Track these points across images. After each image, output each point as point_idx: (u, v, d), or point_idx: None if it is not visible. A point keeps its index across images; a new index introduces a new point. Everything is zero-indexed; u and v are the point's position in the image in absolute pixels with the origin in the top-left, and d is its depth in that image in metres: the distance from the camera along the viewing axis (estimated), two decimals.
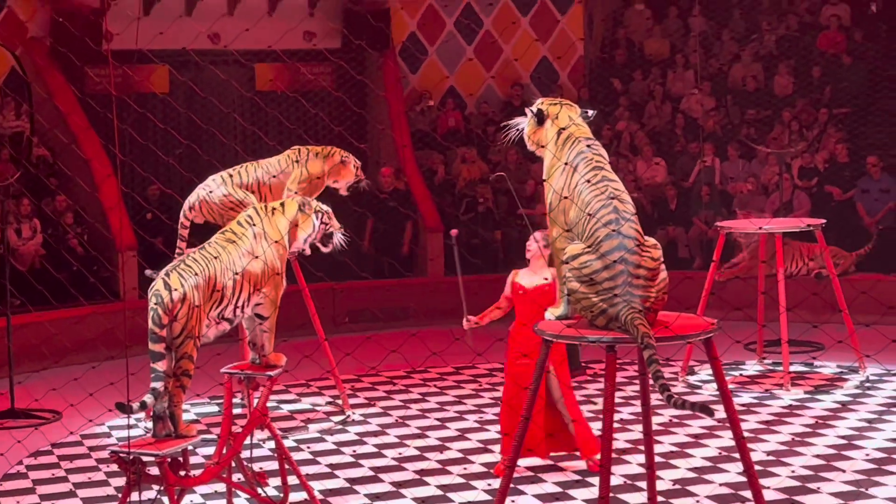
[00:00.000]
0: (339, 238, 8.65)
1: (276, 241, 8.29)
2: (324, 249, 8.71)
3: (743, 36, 19.74)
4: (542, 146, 6.94)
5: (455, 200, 17.85)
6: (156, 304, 7.62)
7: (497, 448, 10.02)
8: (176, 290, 7.66)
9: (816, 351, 13.17)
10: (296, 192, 10.68)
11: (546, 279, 9.41)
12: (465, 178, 18.15)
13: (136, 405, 7.42)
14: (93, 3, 16.94)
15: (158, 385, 7.55)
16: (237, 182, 10.77)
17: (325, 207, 8.67)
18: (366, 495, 9.16)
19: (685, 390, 12.00)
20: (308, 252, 8.77)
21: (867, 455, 9.63)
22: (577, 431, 9.40)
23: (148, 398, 7.51)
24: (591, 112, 7.09)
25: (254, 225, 8.29)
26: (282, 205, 8.55)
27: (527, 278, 9.56)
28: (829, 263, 12.40)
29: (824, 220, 12.36)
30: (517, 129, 7.12)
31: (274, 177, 10.80)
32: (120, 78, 16.69)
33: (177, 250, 10.55)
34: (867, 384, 12.10)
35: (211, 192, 10.69)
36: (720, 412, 6.74)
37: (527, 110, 7.06)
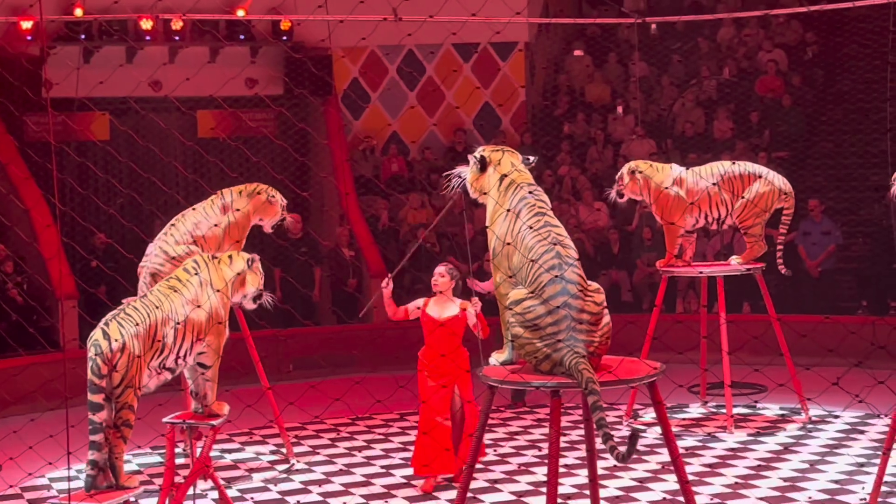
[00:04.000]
0: (266, 298, 8.66)
1: (218, 290, 8.24)
2: (249, 307, 8.71)
3: (683, 81, 19.96)
4: (485, 193, 6.97)
5: (399, 246, 17.85)
6: (95, 354, 7.54)
7: (443, 495, 9.98)
8: (116, 339, 7.58)
9: (759, 393, 13.24)
10: (234, 242, 10.71)
11: (457, 311, 10.10)
12: (409, 223, 18.17)
13: (86, 467, 7.38)
14: (32, 52, 16.85)
15: (98, 437, 7.46)
16: (174, 241, 10.69)
17: (261, 270, 8.69)
18: None
19: (629, 433, 11.99)
20: (245, 305, 8.75)
21: (809, 497, 9.67)
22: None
23: (95, 455, 7.43)
24: (532, 158, 7.14)
25: (199, 273, 8.24)
26: (229, 257, 8.52)
27: (436, 309, 10.16)
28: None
29: (764, 265, 12.45)
30: (460, 177, 7.15)
31: (210, 228, 10.75)
32: (60, 126, 16.60)
33: None
34: (809, 426, 12.18)
35: (161, 263, 10.61)
36: (664, 455, 6.75)
37: (469, 157, 7.09)
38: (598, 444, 6.96)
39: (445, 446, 9.96)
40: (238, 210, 10.89)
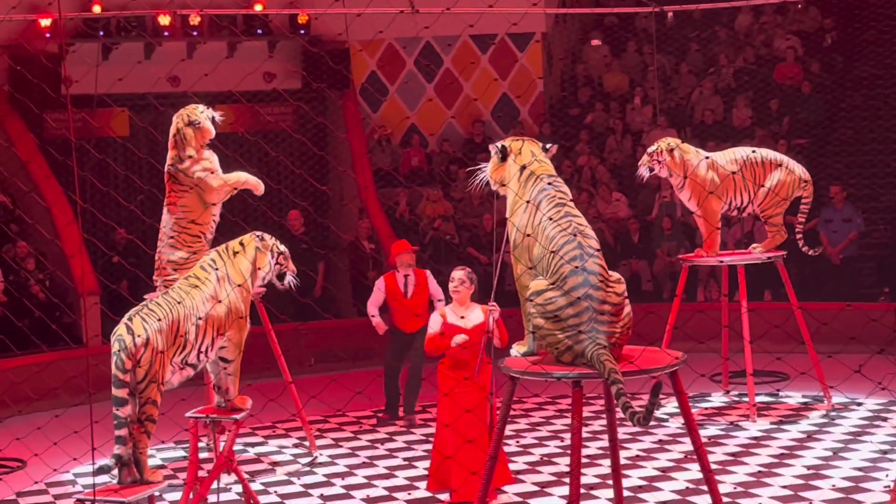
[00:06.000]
0: (290, 278, 8.69)
1: (238, 285, 8.27)
2: (279, 286, 8.76)
3: (701, 70, 19.91)
4: (504, 185, 6.98)
5: (419, 239, 17.86)
6: (119, 349, 7.57)
7: None
8: (139, 335, 7.61)
9: (781, 381, 13.21)
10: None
11: (482, 317, 9.45)
12: (429, 216, 18.18)
13: (110, 462, 7.41)
14: (51, 50, 16.91)
15: (122, 432, 7.50)
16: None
17: (282, 248, 8.69)
18: None
19: (652, 424, 11.99)
20: (276, 285, 8.79)
21: (833, 485, 9.65)
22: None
23: (120, 450, 7.46)
24: (550, 146, 7.12)
25: (217, 269, 8.28)
26: (241, 244, 8.54)
27: (458, 317, 9.56)
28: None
29: (784, 252, 12.43)
30: (485, 173, 7.15)
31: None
32: (80, 123, 16.64)
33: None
34: (832, 414, 12.15)
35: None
36: (687, 444, 6.74)
37: (490, 147, 7.10)
38: (621, 433, 6.96)
39: (471, 470, 8.93)
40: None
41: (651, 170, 12.16)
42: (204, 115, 10.52)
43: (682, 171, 12.04)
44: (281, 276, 8.69)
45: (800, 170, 12.24)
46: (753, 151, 12.33)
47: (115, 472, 7.61)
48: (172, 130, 10.52)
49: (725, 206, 12.23)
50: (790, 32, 19.79)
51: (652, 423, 11.91)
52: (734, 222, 16.34)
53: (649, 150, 12.24)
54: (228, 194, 10.59)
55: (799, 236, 12.53)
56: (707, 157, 12.20)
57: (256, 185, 10.70)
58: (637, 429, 6.31)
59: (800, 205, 12.37)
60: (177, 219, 10.40)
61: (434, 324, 9.59)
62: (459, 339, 9.38)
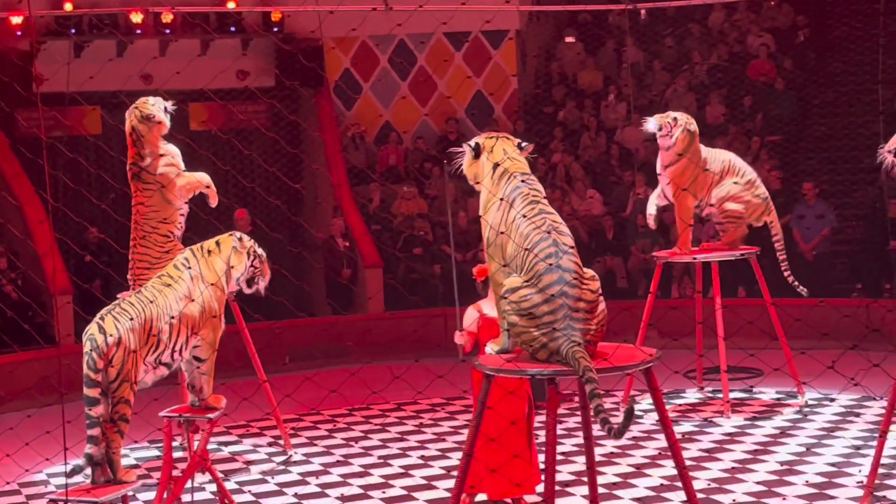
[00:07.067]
0: (261, 283, 8.63)
1: (212, 284, 8.23)
2: (246, 290, 8.67)
3: (675, 66, 19.95)
4: (478, 182, 6.97)
5: (393, 236, 17.85)
6: (90, 348, 7.53)
7: (440, 484, 10.00)
8: (111, 334, 7.57)
9: (755, 377, 13.25)
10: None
11: None
12: (403, 213, 18.16)
13: (81, 462, 7.37)
14: (22, 48, 16.80)
15: (94, 432, 7.45)
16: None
17: (259, 251, 8.63)
18: None
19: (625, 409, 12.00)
20: (243, 289, 8.72)
21: (807, 481, 9.68)
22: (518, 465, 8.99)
23: (92, 450, 7.42)
24: (524, 144, 7.09)
25: (190, 268, 8.24)
26: (217, 243, 8.49)
27: (490, 309, 8.64)
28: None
29: (758, 248, 12.46)
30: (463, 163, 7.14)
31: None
32: (51, 121, 16.55)
33: None
34: (806, 409, 12.20)
35: None
36: (661, 441, 6.75)
37: (464, 144, 7.09)
38: (595, 430, 6.97)
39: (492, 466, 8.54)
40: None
41: (660, 129, 11.96)
42: (156, 107, 10.37)
43: (683, 146, 11.93)
44: (250, 282, 8.62)
45: (764, 194, 12.31)
46: (733, 158, 12.40)
47: (88, 471, 7.57)
48: (127, 129, 10.40)
49: (698, 204, 12.25)
50: (763, 29, 19.85)
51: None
52: (707, 220, 16.35)
53: (673, 114, 12.13)
54: (191, 193, 10.51)
55: (787, 273, 12.47)
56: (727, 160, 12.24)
57: (214, 194, 10.62)
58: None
59: (772, 238, 12.42)
60: (146, 219, 10.33)
61: (469, 320, 8.85)
62: (460, 339, 8.99)
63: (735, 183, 12.19)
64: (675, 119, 11.98)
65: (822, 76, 19.04)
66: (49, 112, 15.95)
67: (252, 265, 8.55)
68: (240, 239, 8.56)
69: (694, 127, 12.04)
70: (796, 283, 12.46)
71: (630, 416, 6.25)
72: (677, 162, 11.97)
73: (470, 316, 8.87)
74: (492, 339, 8.36)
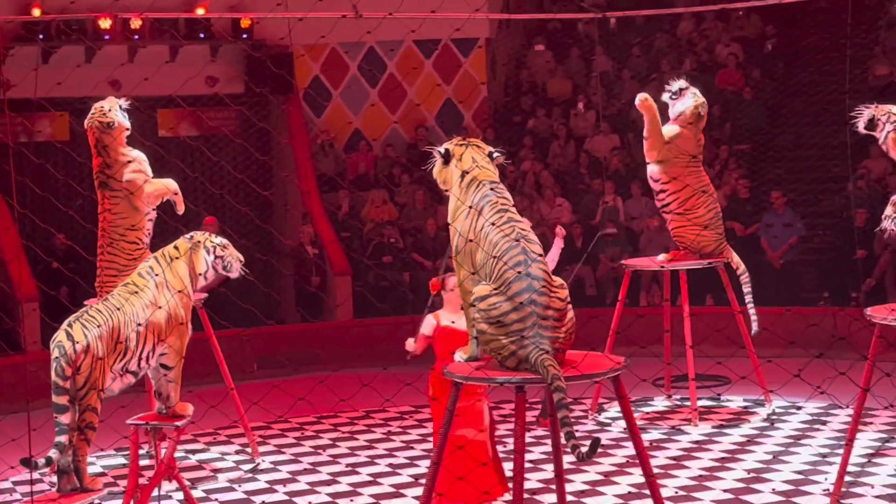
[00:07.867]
0: (238, 266, 8.57)
1: (179, 291, 8.19)
2: (233, 276, 8.62)
3: (644, 75, 20.01)
4: (448, 189, 6.98)
5: (362, 244, 17.82)
6: (58, 355, 7.49)
7: (409, 493, 9.99)
8: (79, 341, 7.54)
9: (722, 385, 13.30)
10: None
11: None
12: (374, 220, 18.14)
13: (41, 461, 7.28)
14: None
15: (63, 438, 7.41)
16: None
17: (216, 240, 8.55)
18: None
19: (595, 427, 12.04)
20: (230, 276, 8.64)
21: (774, 489, 9.72)
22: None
23: (53, 453, 7.37)
24: (496, 154, 7.11)
25: (156, 275, 8.20)
26: (176, 248, 8.43)
27: (451, 321, 8.96)
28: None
29: (726, 258, 12.49)
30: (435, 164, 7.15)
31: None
32: (18, 127, 16.46)
33: None
34: (773, 417, 12.25)
35: None
36: (629, 449, 6.76)
37: (434, 150, 7.10)
38: (563, 440, 6.98)
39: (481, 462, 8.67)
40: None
41: (680, 89, 12.52)
42: (113, 112, 10.30)
43: (679, 120, 12.47)
44: (227, 268, 8.55)
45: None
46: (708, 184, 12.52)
47: (45, 469, 7.51)
48: (91, 140, 10.35)
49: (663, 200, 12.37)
50: (732, 39, 19.94)
51: (595, 427, 11.96)
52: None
53: (697, 96, 12.46)
54: (159, 200, 10.46)
55: (753, 318, 12.33)
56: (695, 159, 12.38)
57: (181, 201, 10.57)
58: (579, 434, 6.35)
59: (741, 285, 12.37)
60: (113, 227, 10.28)
61: (426, 326, 9.00)
62: (410, 346, 9.08)
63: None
64: (681, 90, 12.59)
65: (790, 86, 19.14)
66: (16, 118, 15.86)
67: (216, 256, 8.47)
68: (190, 238, 8.49)
69: (705, 109, 12.50)
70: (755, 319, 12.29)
71: (595, 447, 6.21)
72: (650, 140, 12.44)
73: (428, 323, 9.02)
74: (447, 349, 8.57)
